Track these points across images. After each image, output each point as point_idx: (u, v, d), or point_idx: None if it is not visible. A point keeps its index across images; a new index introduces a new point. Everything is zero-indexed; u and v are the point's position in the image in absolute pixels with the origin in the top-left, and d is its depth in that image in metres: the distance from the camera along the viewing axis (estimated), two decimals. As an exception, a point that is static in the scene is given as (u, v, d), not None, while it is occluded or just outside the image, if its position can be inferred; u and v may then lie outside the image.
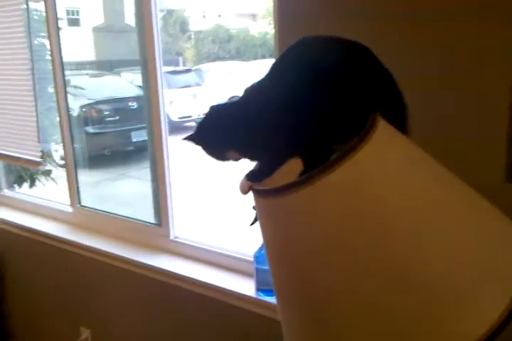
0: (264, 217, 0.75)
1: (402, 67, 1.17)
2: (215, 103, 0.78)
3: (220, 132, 0.74)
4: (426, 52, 1.17)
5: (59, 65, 2.16)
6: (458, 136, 1.15)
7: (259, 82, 0.75)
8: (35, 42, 2.53)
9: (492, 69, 1.09)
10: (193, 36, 10.69)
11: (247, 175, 0.78)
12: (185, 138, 0.77)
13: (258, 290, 1.57)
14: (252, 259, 1.57)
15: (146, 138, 2.04)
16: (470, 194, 0.74)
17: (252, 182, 0.77)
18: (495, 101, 1.09)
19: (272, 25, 1.40)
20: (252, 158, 0.77)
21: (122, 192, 3.37)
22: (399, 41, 1.19)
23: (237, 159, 0.77)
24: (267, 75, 0.75)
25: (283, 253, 0.74)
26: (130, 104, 4.77)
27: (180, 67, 8.85)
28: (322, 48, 0.73)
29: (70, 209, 2.32)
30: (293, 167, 0.74)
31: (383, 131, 0.70)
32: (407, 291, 0.63)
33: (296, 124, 0.70)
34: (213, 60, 9.55)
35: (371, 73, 0.73)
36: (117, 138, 4.51)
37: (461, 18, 1.11)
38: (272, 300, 1.49)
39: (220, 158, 0.77)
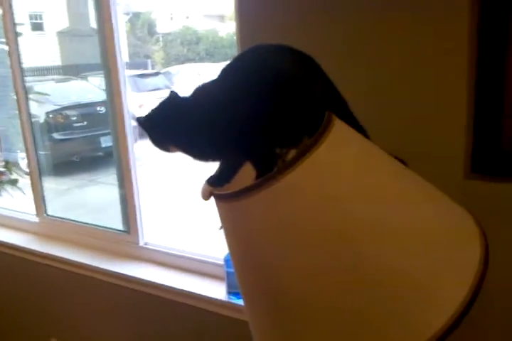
0: (225, 221, 0.76)
1: (356, 67, 1.19)
2: (175, 92, 0.77)
3: (166, 125, 0.74)
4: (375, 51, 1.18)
5: (19, 71, 2.12)
6: (416, 136, 1.17)
7: (209, 84, 0.75)
8: (-4, 48, 2.46)
9: (447, 63, 1.10)
10: (161, 38, 10.61)
11: (207, 180, 0.79)
12: (136, 119, 0.77)
13: (229, 293, 1.56)
14: (222, 263, 1.57)
15: (112, 143, 2.01)
16: (425, 187, 0.75)
17: (213, 187, 0.77)
18: (453, 99, 1.11)
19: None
20: (194, 157, 0.77)
21: (91, 199, 3.32)
22: (357, 43, 1.20)
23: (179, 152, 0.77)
24: (218, 78, 0.75)
25: (246, 256, 0.74)
26: (98, 108, 4.70)
27: (149, 70, 8.78)
28: (272, 56, 0.74)
29: (36, 219, 2.27)
30: (252, 171, 0.75)
31: (339, 129, 0.70)
32: (367, 288, 0.64)
33: (240, 128, 0.71)
34: (182, 62, 9.50)
35: (314, 81, 0.74)
36: (86, 144, 4.45)
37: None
38: (243, 302, 1.48)
39: (162, 148, 0.77)
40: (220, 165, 0.80)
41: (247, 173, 0.77)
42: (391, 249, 0.65)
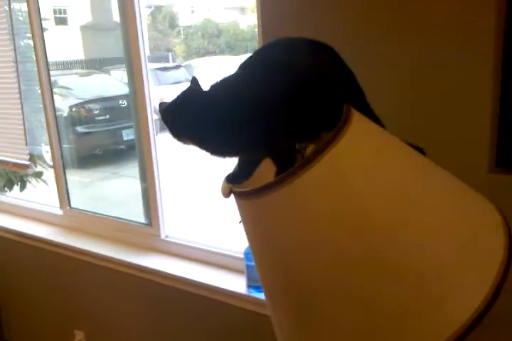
0: (245, 218, 0.76)
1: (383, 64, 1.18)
2: (196, 78, 0.75)
3: (184, 117, 0.72)
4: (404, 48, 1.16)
5: (44, 66, 2.15)
6: (442, 129, 1.15)
7: (229, 78, 0.74)
8: (22, 43, 2.50)
9: (473, 61, 1.09)
10: (182, 31, 10.62)
11: (226, 177, 0.79)
12: (159, 105, 0.75)
13: (249, 286, 1.57)
14: (242, 256, 1.57)
15: (134, 136, 2.03)
16: (448, 178, 0.74)
17: (232, 184, 0.77)
18: (478, 94, 1.09)
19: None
20: (211, 152, 0.75)
21: (114, 191, 3.36)
22: (382, 37, 1.19)
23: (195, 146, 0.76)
24: (238, 72, 0.75)
25: (266, 252, 0.74)
26: (120, 102, 4.73)
27: (170, 64, 8.81)
28: (294, 51, 0.73)
29: (59, 212, 2.31)
30: (272, 167, 0.74)
31: (358, 123, 0.70)
32: (389, 281, 0.64)
33: (261, 124, 0.70)
34: (203, 55, 9.50)
35: (335, 75, 0.74)
36: (108, 137, 4.49)
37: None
38: (263, 296, 1.49)
39: (179, 140, 0.75)
40: (239, 162, 0.79)
41: (265, 169, 0.77)
42: (414, 243, 0.64)
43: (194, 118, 0.71)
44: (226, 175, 0.79)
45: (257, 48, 0.78)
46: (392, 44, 1.17)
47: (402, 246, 0.64)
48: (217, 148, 0.74)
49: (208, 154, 0.75)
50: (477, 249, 0.67)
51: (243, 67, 0.75)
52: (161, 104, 0.74)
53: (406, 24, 1.15)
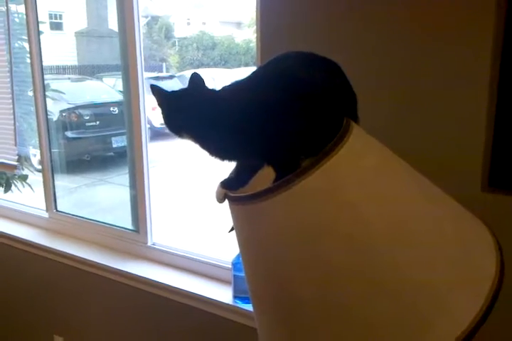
0: (239, 224, 0.75)
1: (376, 79, 1.20)
2: (198, 74, 0.73)
3: (187, 111, 0.71)
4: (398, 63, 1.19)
5: (38, 69, 2.14)
6: (434, 148, 1.17)
7: (238, 83, 0.74)
8: (16, 44, 2.49)
9: (469, 82, 1.11)
10: (177, 43, 10.67)
11: (222, 182, 0.78)
12: (154, 89, 0.73)
13: (235, 297, 1.56)
14: (230, 266, 1.57)
15: (126, 144, 2.02)
16: (443, 196, 0.75)
17: (228, 190, 0.76)
18: (473, 113, 1.11)
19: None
20: (211, 153, 0.74)
21: (101, 198, 3.33)
22: (378, 53, 1.21)
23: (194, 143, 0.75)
24: (249, 79, 0.75)
25: (258, 260, 0.73)
26: (111, 109, 4.73)
27: (164, 73, 8.83)
28: (303, 66, 0.74)
29: (45, 215, 2.28)
30: (267, 174, 0.74)
31: (357, 135, 0.71)
32: (380, 297, 0.63)
33: (270, 131, 0.70)
34: (197, 67, 9.54)
35: (344, 90, 0.75)
36: (97, 144, 4.47)
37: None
38: (249, 307, 1.48)
39: (174, 132, 0.73)
40: (236, 169, 0.79)
41: (261, 177, 0.77)
42: (408, 258, 0.65)
43: (198, 114, 0.70)
44: (222, 180, 0.78)
45: (256, 61, 0.79)
46: (388, 54, 1.19)
47: (395, 261, 0.64)
48: (218, 149, 0.74)
49: (207, 154, 0.75)
50: (469, 266, 0.67)
51: (255, 74, 0.75)
52: (155, 87, 0.73)
53: (398, 35, 1.17)
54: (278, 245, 0.68)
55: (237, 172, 0.79)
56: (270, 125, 0.70)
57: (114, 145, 4.41)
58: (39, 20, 2.13)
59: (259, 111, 0.70)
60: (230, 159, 0.76)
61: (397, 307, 0.63)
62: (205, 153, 0.75)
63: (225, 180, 0.78)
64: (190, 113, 0.70)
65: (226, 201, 0.76)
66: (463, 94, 1.12)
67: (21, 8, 2.22)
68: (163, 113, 0.73)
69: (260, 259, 0.73)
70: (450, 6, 1.10)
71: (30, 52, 2.12)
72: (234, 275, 1.54)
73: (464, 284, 0.65)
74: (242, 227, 0.75)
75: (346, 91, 0.76)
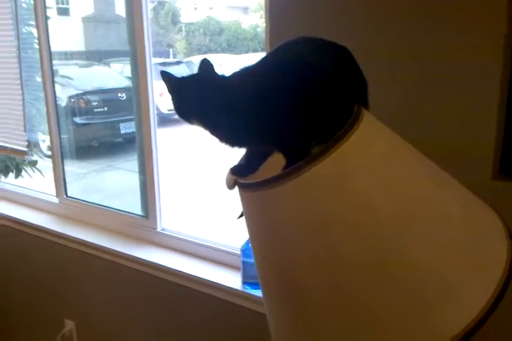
0: (249, 210, 0.75)
1: (388, 66, 1.18)
2: (208, 59, 0.73)
3: (197, 97, 0.70)
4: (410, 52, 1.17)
5: (47, 54, 2.13)
6: (445, 135, 1.16)
7: (248, 69, 0.74)
8: (24, 30, 2.49)
9: (481, 69, 1.09)
10: (184, 28, 10.58)
11: (231, 169, 0.78)
12: (164, 75, 0.72)
13: (244, 283, 1.57)
14: (239, 252, 1.57)
15: (135, 129, 2.02)
16: (454, 184, 0.75)
17: (237, 176, 0.76)
18: (484, 100, 1.10)
19: (263, 19, 1.39)
20: (221, 139, 0.74)
21: (110, 183, 3.35)
22: (387, 39, 1.19)
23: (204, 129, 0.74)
24: (259, 65, 0.74)
25: (267, 247, 0.74)
26: (119, 95, 4.72)
27: (171, 59, 8.78)
28: (316, 48, 0.73)
29: (55, 200, 2.29)
30: (277, 161, 0.74)
31: (368, 122, 0.70)
32: (388, 283, 0.63)
33: (280, 116, 0.70)
34: (204, 53, 9.47)
35: (354, 75, 0.74)
36: (106, 130, 4.47)
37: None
38: (258, 293, 1.49)
39: (184, 118, 0.73)
40: (246, 155, 0.79)
41: (271, 165, 0.76)
42: (417, 244, 0.64)
43: (209, 101, 0.70)
44: (232, 166, 0.78)
45: (265, 46, 0.78)
46: (398, 41, 1.18)
47: (404, 247, 0.64)
48: (228, 135, 0.73)
49: (216, 140, 0.74)
50: (480, 252, 0.67)
51: (264, 60, 0.75)
52: (165, 74, 0.73)
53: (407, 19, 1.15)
54: (287, 232, 0.69)
55: (247, 158, 0.78)
56: (280, 110, 0.69)
57: (123, 132, 4.42)
58: (46, 5, 2.12)
59: (269, 96, 0.69)
60: (240, 145, 0.75)
61: (405, 294, 0.63)
62: (214, 140, 0.75)
63: (234, 166, 0.78)
64: (201, 99, 0.70)
65: (236, 187, 0.76)
66: (475, 80, 1.10)
67: (28, -7, 2.21)
68: (173, 99, 0.73)
69: (269, 246, 0.73)
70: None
71: (39, 38, 2.12)
72: (243, 262, 1.55)
73: (474, 270, 0.65)
74: (252, 214, 0.75)
75: (356, 76, 0.75)
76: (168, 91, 0.74)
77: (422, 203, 0.68)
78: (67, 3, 6.33)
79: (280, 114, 0.70)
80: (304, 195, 0.66)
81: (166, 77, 0.73)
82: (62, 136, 2.28)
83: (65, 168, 2.29)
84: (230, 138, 0.74)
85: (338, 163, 0.65)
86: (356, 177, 0.66)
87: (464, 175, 0.77)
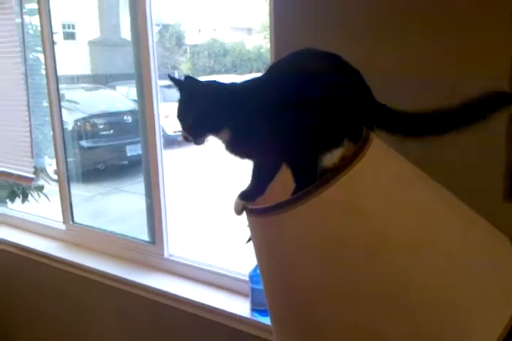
0: (257, 236, 0.75)
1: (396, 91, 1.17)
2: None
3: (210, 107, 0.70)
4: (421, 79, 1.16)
5: (53, 79, 2.15)
6: (457, 158, 1.14)
7: (256, 80, 0.74)
8: (31, 56, 2.52)
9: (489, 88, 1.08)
10: (188, 50, 10.74)
11: (239, 194, 0.78)
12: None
13: (253, 310, 1.54)
14: (247, 279, 1.54)
15: (141, 152, 2.02)
16: (463, 208, 0.73)
17: (246, 201, 0.76)
18: (494, 121, 1.08)
19: (267, 40, 1.40)
20: (227, 147, 0.74)
21: (116, 207, 3.35)
22: (391, 59, 1.18)
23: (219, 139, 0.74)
24: (267, 76, 0.74)
25: (276, 273, 0.73)
26: (125, 117, 4.76)
27: (176, 81, 8.86)
28: (321, 60, 0.73)
29: (62, 227, 2.28)
30: (285, 185, 0.73)
31: (376, 146, 0.70)
32: (402, 315, 0.62)
33: (288, 127, 0.69)
34: (209, 74, 9.58)
35: (358, 86, 0.73)
36: (112, 152, 4.49)
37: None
38: (267, 321, 1.45)
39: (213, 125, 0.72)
40: (252, 177, 0.78)
41: (277, 187, 0.76)
42: (429, 271, 0.63)
43: (238, 107, 0.70)
44: (239, 192, 0.78)
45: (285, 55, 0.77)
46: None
47: (419, 275, 0.62)
48: (239, 144, 0.73)
49: (224, 147, 0.74)
50: (494, 282, 0.65)
51: (271, 72, 0.75)
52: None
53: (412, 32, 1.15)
54: (296, 257, 0.68)
55: (252, 182, 0.78)
56: (287, 123, 0.69)
57: (129, 154, 4.44)
58: (53, 31, 2.14)
59: (280, 102, 0.69)
60: (248, 156, 0.75)
61: (414, 325, 0.61)
62: (224, 152, 0.74)
63: (242, 191, 0.78)
64: (232, 105, 0.71)
65: (244, 213, 0.76)
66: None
67: (35, 20, 2.24)
68: (201, 106, 0.71)
69: (278, 272, 0.72)
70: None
71: (45, 63, 2.14)
72: (251, 288, 1.52)
73: (487, 302, 0.63)
74: (261, 239, 0.74)
75: (361, 86, 0.74)
76: (189, 96, 0.73)
77: (433, 228, 0.67)
78: (74, 28, 6.45)
79: (289, 120, 0.69)
80: (313, 220, 0.65)
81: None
82: (68, 159, 2.28)
83: (72, 191, 2.28)
84: (240, 147, 0.73)
85: (348, 188, 0.65)
86: (366, 201, 0.65)
87: (475, 197, 0.76)
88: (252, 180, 0.78)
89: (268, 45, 1.40)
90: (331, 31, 1.26)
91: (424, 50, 1.15)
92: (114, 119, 4.87)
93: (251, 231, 0.75)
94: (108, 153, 4.45)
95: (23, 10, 2.15)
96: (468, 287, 0.64)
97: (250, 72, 9.12)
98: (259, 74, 0.75)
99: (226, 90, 0.72)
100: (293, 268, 0.68)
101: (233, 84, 0.74)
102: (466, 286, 0.63)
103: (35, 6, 2.11)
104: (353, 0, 1.22)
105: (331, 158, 0.69)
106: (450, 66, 1.12)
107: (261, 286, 0.78)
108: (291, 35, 1.33)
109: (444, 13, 1.11)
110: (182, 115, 0.73)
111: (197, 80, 0.74)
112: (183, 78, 0.75)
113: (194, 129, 0.72)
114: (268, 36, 1.39)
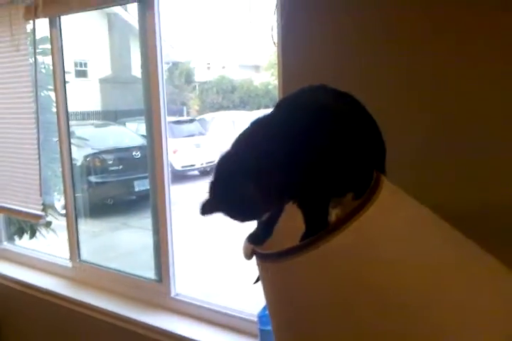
0: (266, 280, 0.74)
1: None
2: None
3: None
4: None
5: (64, 117, 2.18)
6: (468, 200, 1.12)
7: (264, 120, 0.73)
8: (42, 94, 2.56)
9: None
10: (197, 87, 10.96)
11: (248, 238, 0.76)
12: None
13: (263, 352, 1.48)
14: (255, 319, 1.50)
15: (149, 187, 2.02)
16: (477, 252, 0.72)
17: (255, 244, 0.75)
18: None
19: (274, 77, 1.41)
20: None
21: (124, 242, 3.32)
22: (399, 97, 1.19)
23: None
24: (274, 115, 0.73)
25: (286, 316, 0.71)
26: (134, 153, 4.80)
27: (185, 117, 9.03)
28: (332, 98, 0.72)
29: (69, 264, 2.26)
30: (292, 226, 0.71)
31: (387, 191, 0.69)
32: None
33: (300, 169, 0.66)
34: (217, 110, 9.74)
35: (369, 126, 0.73)
36: (120, 188, 4.52)
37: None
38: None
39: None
40: (258, 222, 0.77)
41: (285, 228, 0.74)
42: (442, 320, 0.61)
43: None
44: (248, 235, 0.77)
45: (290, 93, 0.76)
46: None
47: (433, 325, 0.61)
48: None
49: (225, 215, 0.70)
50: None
51: (280, 109, 0.74)
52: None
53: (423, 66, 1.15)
54: (307, 302, 0.66)
55: (260, 225, 0.77)
56: (297, 168, 0.66)
57: (137, 189, 4.46)
58: (65, 70, 2.18)
59: (291, 151, 0.66)
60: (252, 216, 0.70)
61: None
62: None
63: (250, 234, 0.77)
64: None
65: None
66: (500, 135, 1.08)
67: (47, 59, 2.29)
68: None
69: (288, 315, 0.71)
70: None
71: (56, 101, 2.17)
72: (260, 330, 1.47)
73: None
74: (270, 283, 0.73)
75: (371, 126, 0.74)
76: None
77: (448, 274, 0.65)
78: (86, 66, 6.63)
79: (305, 171, 0.66)
80: (324, 266, 0.64)
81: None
82: (76, 194, 2.27)
83: (80, 226, 2.27)
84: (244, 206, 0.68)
85: (359, 233, 0.64)
86: (378, 247, 0.64)
87: (491, 241, 0.73)
88: (259, 223, 0.77)
89: (275, 82, 1.41)
90: (338, 68, 1.27)
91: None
92: (123, 155, 4.92)
93: (260, 273, 0.74)
94: (116, 188, 4.48)
95: (37, 50, 2.20)
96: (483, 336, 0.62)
97: (258, 108, 9.26)
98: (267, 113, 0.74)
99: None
100: (302, 312, 0.67)
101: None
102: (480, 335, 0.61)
103: (48, 46, 2.17)
104: (358, 36, 1.24)
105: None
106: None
107: (270, 327, 0.76)
108: (298, 72, 1.34)
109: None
110: None
111: None
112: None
113: None
114: (275, 73, 1.41)
